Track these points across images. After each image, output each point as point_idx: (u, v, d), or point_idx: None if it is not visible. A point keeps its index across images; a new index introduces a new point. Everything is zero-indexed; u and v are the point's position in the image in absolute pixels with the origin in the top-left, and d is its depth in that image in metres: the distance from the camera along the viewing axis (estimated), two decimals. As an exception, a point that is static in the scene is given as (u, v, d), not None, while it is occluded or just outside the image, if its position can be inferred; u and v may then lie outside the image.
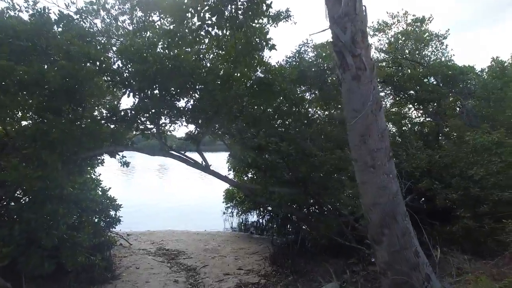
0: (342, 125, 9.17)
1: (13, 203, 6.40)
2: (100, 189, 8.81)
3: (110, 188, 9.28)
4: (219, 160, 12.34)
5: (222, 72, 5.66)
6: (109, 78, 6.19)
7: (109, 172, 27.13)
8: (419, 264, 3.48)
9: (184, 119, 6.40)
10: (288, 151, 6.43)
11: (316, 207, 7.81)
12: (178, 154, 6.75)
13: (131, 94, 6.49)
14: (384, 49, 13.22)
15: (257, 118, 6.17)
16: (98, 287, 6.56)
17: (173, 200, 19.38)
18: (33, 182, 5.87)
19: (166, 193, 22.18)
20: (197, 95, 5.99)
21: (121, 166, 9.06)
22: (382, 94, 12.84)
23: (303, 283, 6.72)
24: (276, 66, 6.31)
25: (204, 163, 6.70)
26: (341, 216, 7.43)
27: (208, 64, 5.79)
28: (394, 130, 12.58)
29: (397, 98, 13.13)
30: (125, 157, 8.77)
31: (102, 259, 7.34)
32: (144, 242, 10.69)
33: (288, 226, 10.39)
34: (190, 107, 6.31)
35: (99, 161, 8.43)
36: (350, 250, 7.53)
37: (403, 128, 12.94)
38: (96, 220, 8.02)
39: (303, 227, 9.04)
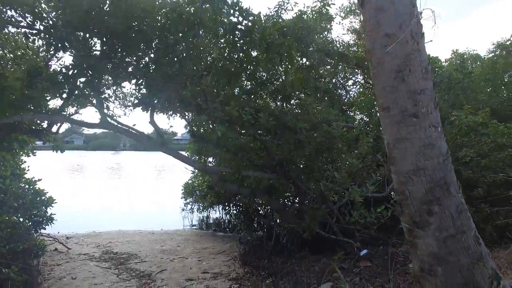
0: (330, 97, 8.18)
1: None
2: (24, 179, 6.97)
3: (39, 179, 7.43)
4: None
5: (185, 15, 4.26)
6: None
7: (55, 174, 24.32)
8: (482, 254, 2.42)
9: (133, 81, 4.89)
10: (267, 124, 5.18)
11: (297, 195, 6.64)
12: (124, 127, 5.21)
13: (63, 49, 4.88)
14: (356, 30, 12.47)
15: (231, 77, 4.84)
16: (12, 308, 4.82)
17: (125, 199, 17.39)
18: None
19: (117, 193, 20.01)
20: (153, 47, 4.53)
21: (53, 151, 7.31)
22: (352, 79, 12.06)
23: (285, 286, 5.52)
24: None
25: (159, 138, 5.23)
26: (324, 205, 6.37)
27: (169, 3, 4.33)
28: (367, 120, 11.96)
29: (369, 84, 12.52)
30: (61, 139, 7.05)
31: (19, 271, 5.56)
32: (87, 245, 8.87)
33: (258, 221, 9.18)
34: (143, 64, 4.82)
35: (20, 145, 6.61)
36: (334, 244, 6.52)
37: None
38: (16, 218, 6.19)
39: (276, 221, 7.89)
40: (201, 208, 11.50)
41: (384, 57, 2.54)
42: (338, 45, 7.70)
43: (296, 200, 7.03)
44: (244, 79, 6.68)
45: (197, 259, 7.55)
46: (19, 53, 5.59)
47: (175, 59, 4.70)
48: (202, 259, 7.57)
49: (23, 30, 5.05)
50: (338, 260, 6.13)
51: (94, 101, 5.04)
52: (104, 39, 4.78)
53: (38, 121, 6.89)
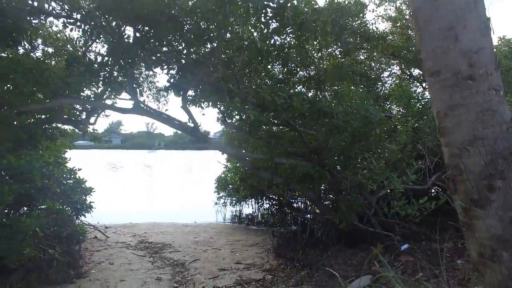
0: (366, 81, 7.80)
1: None
2: (66, 169, 7.26)
3: (79, 169, 7.72)
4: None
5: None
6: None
7: (96, 170, 25.60)
8: (555, 238, 2.08)
9: (165, 66, 4.87)
10: (301, 108, 4.97)
11: (332, 185, 6.35)
12: (157, 112, 5.22)
13: (98, 37, 4.98)
14: (392, 17, 11.81)
15: (262, 58, 4.66)
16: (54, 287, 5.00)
17: (161, 194, 17.86)
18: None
19: (153, 187, 20.60)
20: (183, 31, 4.47)
21: (91, 141, 7.57)
22: (388, 70, 11.38)
23: (321, 278, 5.29)
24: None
25: (192, 123, 5.19)
26: (361, 196, 6.05)
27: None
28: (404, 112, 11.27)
29: (407, 74, 11.81)
30: (96, 130, 7.25)
31: (63, 253, 5.80)
32: (124, 235, 9.13)
33: (292, 214, 8.96)
34: (174, 49, 4.80)
35: (59, 132, 6.88)
36: (372, 238, 6.18)
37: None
38: (59, 205, 6.45)
39: (311, 214, 7.63)
40: (233, 202, 11.46)
41: (433, 14, 2.25)
42: (374, 29, 7.29)
43: (331, 191, 6.74)
44: (276, 62, 6.51)
45: (230, 250, 7.49)
46: (60, 44, 5.80)
47: (206, 42, 4.62)
48: (235, 250, 7.50)
49: (61, 20, 5.15)
50: (377, 254, 5.79)
51: (128, 88, 5.09)
52: (136, 25, 4.80)
53: (77, 112, 7.16)
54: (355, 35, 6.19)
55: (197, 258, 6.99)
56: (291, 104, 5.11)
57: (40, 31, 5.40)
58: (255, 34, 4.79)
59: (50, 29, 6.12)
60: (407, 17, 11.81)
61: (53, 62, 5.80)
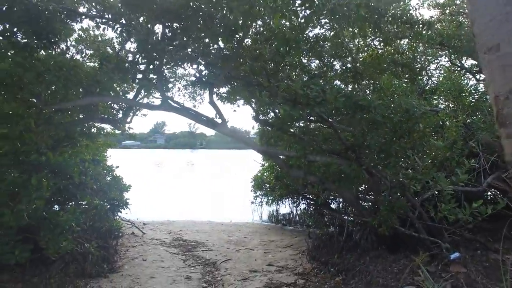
0: (410, 72, 7.20)
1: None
2: (105, 166, 7.50)
3: (117, 166, 7.95)
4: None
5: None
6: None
7: (141, 168, 26.69)
8: None
9: (193, 61, 4.76)
10: (336, 101, 4.61)
11: (371, 184, 5.87)
12: (184, 108, 5.13)
13: (127, 35, 4.99)
14: (440, 3, 10.83)
15: (291, 46, 4.36)
16: (89, 281, 5.11)
17: (199, 192, 18.12)
18: (-1, 143, 4.53)
19: (192, 186, 20.99)
20: (209, 23, 4.32)
21: (127, 138, 7.73)
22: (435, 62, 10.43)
23: (357, 285, 4.89)
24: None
25: (219, 119, 5.04)
26: (404, 197, 5.53)
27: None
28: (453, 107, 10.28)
29: (457, 65, 10.76)
30: (132, 128, 7.39)
31: (98, 247, 5.94)
32: (161, 231, 9.29)
33: (329, 215, 8.53)
34: (202, 43, 4.67)
35: (97, 130, 7.10)
36: (416, 244, 5.63)
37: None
38: (97, 201, 6.64)
39: (349, 215, 7.17)
40: (269, 201, 11.23)
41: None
42: (418, 15, 6.64)
43: (370, 192, 6.25)
44: (309, 54, 6.18)
45: (263, 251, 7.27)
46: (96, 45, 5.94)
47: (233, 34, 4.43)
48: (268, 251, 7.27)
49: (95, 21, 5.24)
50: (421, 262, 5.25)
51: (156, 84, 5.06)
52: (163, 21, 4.73)
53: (114, 111, 7.35)
54: (396, 22, 5.65)
55: (229, 258, 6.86)
56: (325, 97, 4.77)
57: (77, 33, 5.55)
58: (286, 23, 4.52)
59: (89, 31, 6.32)
60: (458, 1, 10.79)
61: (91, 64, 5.95)
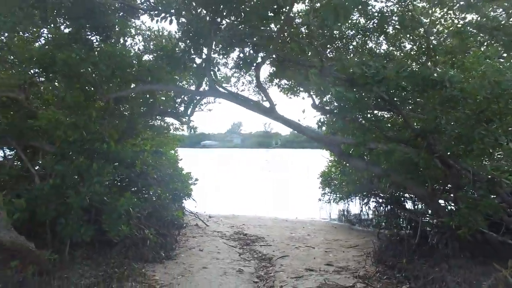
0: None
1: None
2: (164, 157, 7.76)
3: (181, 159, 8.24)
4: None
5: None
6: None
7: (213, 165, 27.92)
8: None
9: (239, 44, 4.56)
10: (398, 77, 3.94)
11: (448, 177, 4.91)
12: (232, 93, 4.95)
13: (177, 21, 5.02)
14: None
15: (339, 13, 3.81)
16: (144, 265, 5.28)
17: (270, 189, 18.05)
18: (68, 131, 4.94)
19: (264, 183, 21.06)
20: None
21: (188, 131, 7.93)
22: None
23: (428, 296, 4.11)
24: None
25: (268, 103, 4.72)
26: (493, 194, 4.52)
27: None
28: None
29: None
30: (192, 121, 7.53)
31: (158, 235, 6.15)
32: (223, 225, 9.35)
33: (404, 215, 7.54)
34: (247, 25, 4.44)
35: (161, 124, 7.41)
36: (505, 251, 4.58)
37: None
38: (159, 190, 6.90)
39: (422, 216, 6.18)
40: (337, 199, 10.52)
41: None
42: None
43: (447, 187, 5.25)
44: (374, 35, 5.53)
45: (324, 250, 6.74)
46: (153, 37, 6.16)
47: (279, 10, 4.10)
48: (330, 250, 6.71)
49: (148, 14, 5.39)
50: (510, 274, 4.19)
51: (204, 70, 5.00)
52: (210, 5, 4.63)
53: (176, 104, 7.60)
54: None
55: (287, 254, 6.51)
56: (385, 75, 4.12)
57: (135, 28, 5.81)
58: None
59: (145, 25, 6.60)
60: None
61: (146, 57, 6.20)
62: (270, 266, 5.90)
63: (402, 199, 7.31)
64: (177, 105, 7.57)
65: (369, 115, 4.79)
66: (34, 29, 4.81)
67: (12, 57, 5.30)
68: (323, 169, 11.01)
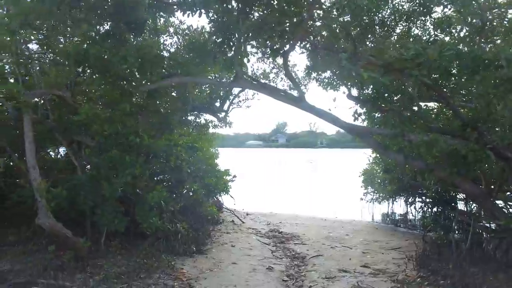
0: None
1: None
2: (207, 154, 7.81)
3: (218, 155, 8.27)
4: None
5: None
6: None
7: (261, 164, 27.95)
8: None
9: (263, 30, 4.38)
10: (443, 59, 3.51)
11: (507, 173, 4.28)
12: (260, 83, 4.78)
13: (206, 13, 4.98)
14: None
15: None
16: (173, 258, 5.30)
17: (314, 188, 17.62)
18: (104, 125, 5.13)
19: (308, 182, 20.64)
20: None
21: (223, 126, 7.92)
22: None
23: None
24: None
25: (297, 92, 4.48)
26: None
27: None
28: None
29: None
30: (228, 116, 7.51)
31: (190, 229, 6.18)
32: (260, 222, 9.24)
33: (455, 217, 6.82)
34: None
35: (197, 120, 7.47)
36: None
37: None
38: (194, 185, 6.93)
39: (475, 219, 5.50)
40: (380, 198, 9.86)
41: None
42: None
43: (503, 183, 4.59)
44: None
45: (361, 251, 6.33)
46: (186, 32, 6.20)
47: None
48: (368, 252, 6.28)
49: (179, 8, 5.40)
50: None
51: (232, 60, 4.90)
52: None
53: (212, 100, 7.62)
54: None
55: (321, 254, 6.20)
56: (426, 57, 3.68)
57: (165, 23, 5.88)
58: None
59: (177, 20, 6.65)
60: None
61: (181, 51, 6.26)
62: (302, 265, 5.65)
63: (452, 199, 6.62)
64: (212, 101, 7.59)
65: (411, 106, 4.35)
66: (69, 29, 5.04)
67: (57, 57, 5.64)
68: (365, 167, 10.41)
